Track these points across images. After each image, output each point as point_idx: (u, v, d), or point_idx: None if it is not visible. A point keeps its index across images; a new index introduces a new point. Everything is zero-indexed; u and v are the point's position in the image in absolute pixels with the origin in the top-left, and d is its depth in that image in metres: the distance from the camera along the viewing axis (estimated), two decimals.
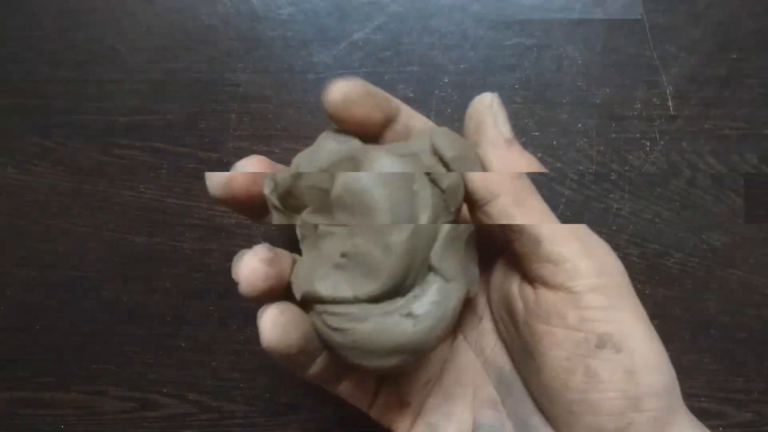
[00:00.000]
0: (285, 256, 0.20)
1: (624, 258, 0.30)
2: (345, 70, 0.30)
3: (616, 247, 0.30)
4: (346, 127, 0.21)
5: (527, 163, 0.20)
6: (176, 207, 0.30)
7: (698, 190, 0.30)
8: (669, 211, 0.30)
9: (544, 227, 0.19)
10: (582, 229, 0.20)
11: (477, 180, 0.20)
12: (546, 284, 0.20)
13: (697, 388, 0.30)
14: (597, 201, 0.30)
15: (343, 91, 0.20)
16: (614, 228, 0.30)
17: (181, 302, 0.30)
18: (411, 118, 0.22)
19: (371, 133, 0.21)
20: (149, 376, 0.31)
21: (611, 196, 0.30)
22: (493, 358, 0.23)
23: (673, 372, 0.19)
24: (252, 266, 0.18)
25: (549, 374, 0.20)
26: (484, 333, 0.24)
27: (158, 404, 0.31)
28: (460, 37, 0.30)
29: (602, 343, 0.18)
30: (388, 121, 0.21)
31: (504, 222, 0.20)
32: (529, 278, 0.20)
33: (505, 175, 0.20)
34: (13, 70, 0.30)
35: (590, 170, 0.30)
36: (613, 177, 0.30)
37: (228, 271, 0.30)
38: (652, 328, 0.19)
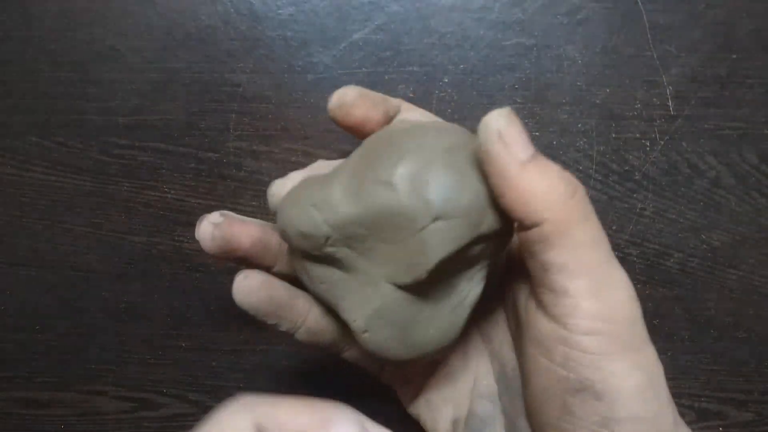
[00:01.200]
0: (237, 222, 0.22)
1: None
2: (345, 70, 0.30)
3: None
4: (348, 127, 0.23)
5: (552, 178, 0.17)
6: (176, 207, 0.30)
7: (722, 190, 0.30)
8: (693, 211, 0.30)
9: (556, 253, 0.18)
10: (602, 262, 0.18)
11: (518, 204, 0.18)
12: (544, 310, 0.19)
13: (697, 388, 0.30)
14: (621, 201, 0.30)
15: (338, 96, 0.22)
16: (614, 228, 0.30)
17: (181, 302, 0.30)
18: (409, 112, 0.24)
19: (374, 131, 0.23)
20: (149, 376, 0.31)
21: (635, 195, 0.30)
22: (500, 350, 0.23)
23: (665, 416, 0.18)
24: (203, 228, 0.22)
25: (531, 393, 0.20)
26: (496, 323, 0.24)
27: (158, 404, 0.31)
28: (460, 37, 0.30)
29: (582, 387, 0.18)
30: (389, 119, 0.23)
31: (545, 254, 0.18)
32: (534, 297, 0.19)
33: (554, 196, 0.17)
34: (13, 70, 0.30)
35: (590, 170, 0.30)
36: (637, 177, 0.30)
37: (228, 271, 0.31)
38: (654, 380, 0.18)
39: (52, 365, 0.31)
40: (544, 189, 0.17)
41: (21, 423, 0.31)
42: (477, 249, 0.20)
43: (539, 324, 0.19)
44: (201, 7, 0.30)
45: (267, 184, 0.28)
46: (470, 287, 0.21)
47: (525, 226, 0.18)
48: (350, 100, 0.22)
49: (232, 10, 0.30)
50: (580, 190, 0.18)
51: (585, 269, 0.17)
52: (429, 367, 0.25)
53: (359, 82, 0.30)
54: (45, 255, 0.31)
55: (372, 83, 0.30)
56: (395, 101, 0.24)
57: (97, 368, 0.31)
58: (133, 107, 0.30)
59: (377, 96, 0.23)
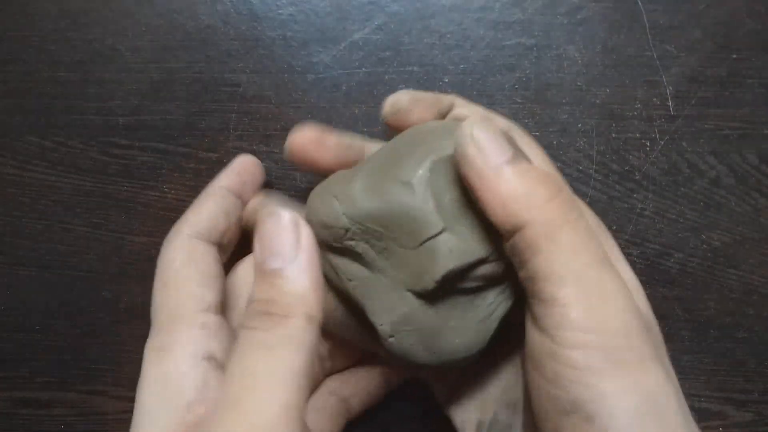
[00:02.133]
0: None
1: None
2: (345, 70, 0.30)
3: None
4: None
5: (530, 180, 0.17)
6: (176, 207, 0.30)
7: (722, 190, 0.30)
8: (693, 211, 0.30)
9: (544, 259, 0.17)
10: (593, 266, 0.17)
11: (497, 207, 0.17)
12: (535, 323, 0.17)
13: (697, 388, 0.30)
14: (621, 201, 0.30)
15: (392, 103, 0.23)
16: (614, 228, 0.30)
17: None
18: (463, 108, 0.24)
19: None
20: None
21: (635, 195, 0.30)
22: None
23: None
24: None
25: (533, 413, 0.19)
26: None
27: None
28: (460, 37, 0.30)
29: (573, 408, 0.16)
30: (443, 116, 0.24)
31: (531, 261, 0.17)
32: (528, 309, 0.18)
33: (534, 198, 0.17)
34: (13, 70, 0.30)
35: (590, 170, 0.30)
36: (637, 177, 0.30)
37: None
38: (659, 403, 0.16)
39: (52, 365, 0.31)
40: (522, 191, 0.17)
41: (21, 423, 0.31)
42: (497, 266, 0.19)
43: (532, 338, 0.18)
44: (201, 7, 0.30)
45: (267, 184, 0.28)
46: (499, 301, 0.20)
47: (508, 233, 0.17)
48: (405, 106, 0.22)
49: (231, 10, 0.30)
50: (565, 192, 0.17)
51: (573, 276, 0.16)
52: (463, 369, 0.24)
53: (359, 82, 0.30)
54: (45, 255, 0.31)
55: (372, 83, 0.30)
56: (448, 98, 0.24)
57: (97, 368, 0.31)
58: (133, 107, 0.30)
59: (430, 97, 0.23)
